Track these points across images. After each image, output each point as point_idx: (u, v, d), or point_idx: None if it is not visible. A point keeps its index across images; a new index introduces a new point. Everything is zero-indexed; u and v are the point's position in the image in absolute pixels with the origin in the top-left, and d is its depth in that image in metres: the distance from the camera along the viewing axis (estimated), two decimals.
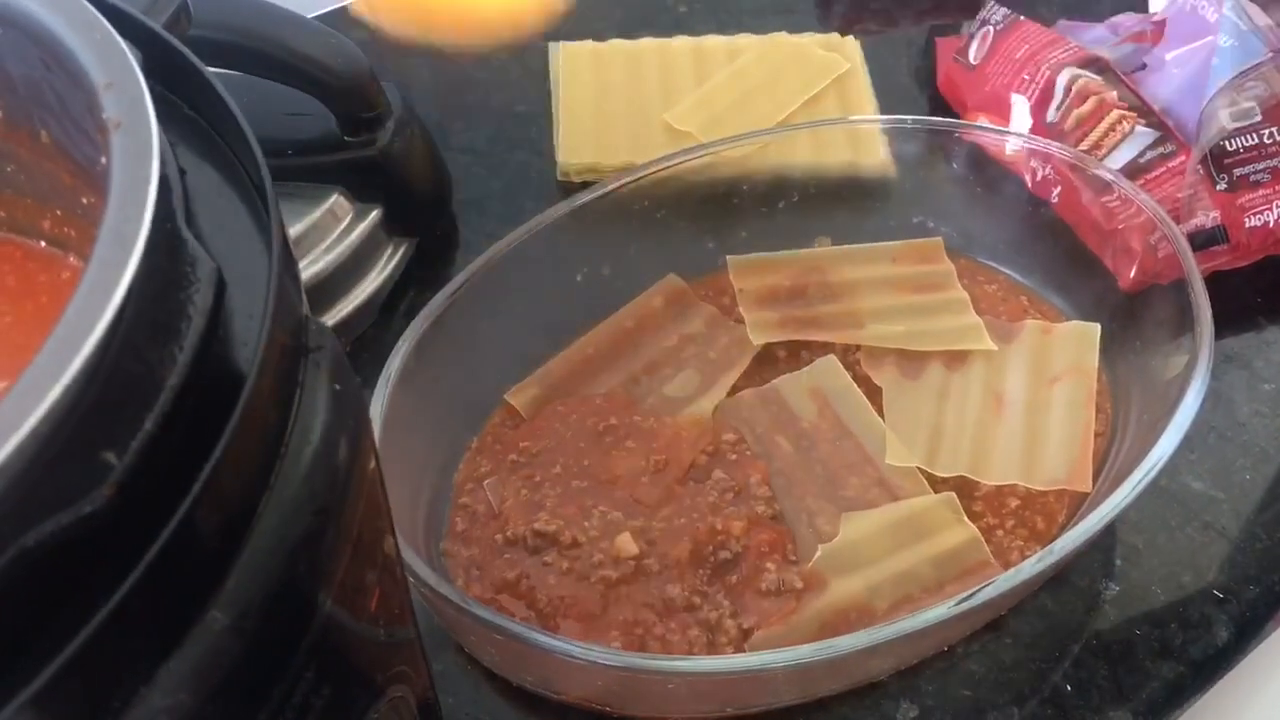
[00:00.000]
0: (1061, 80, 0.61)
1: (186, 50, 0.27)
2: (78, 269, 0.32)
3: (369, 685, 0.25)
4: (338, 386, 0.23)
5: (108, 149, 0.22)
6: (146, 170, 0.21)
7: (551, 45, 0.72)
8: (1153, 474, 0.41)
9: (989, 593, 0.38)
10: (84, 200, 0.29)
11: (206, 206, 0.26)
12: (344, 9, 0.78)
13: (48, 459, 0.17)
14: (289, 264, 0.24)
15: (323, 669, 0.22)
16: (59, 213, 0.31)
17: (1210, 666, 0.44)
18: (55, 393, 0.17)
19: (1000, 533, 0.45)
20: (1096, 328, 0.52)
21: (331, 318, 0.55)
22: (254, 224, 0.26)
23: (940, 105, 0.69)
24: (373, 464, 0.24)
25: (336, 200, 0.56)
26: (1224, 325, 0.47)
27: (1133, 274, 0.53)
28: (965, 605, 0.38)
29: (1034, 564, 0.39)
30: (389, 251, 0.58)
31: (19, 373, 0.30)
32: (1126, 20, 0.68)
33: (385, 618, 0.25)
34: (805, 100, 0.66)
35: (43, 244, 0.31)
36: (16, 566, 0.17)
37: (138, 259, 0.19)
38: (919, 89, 0.72)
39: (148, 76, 0.23)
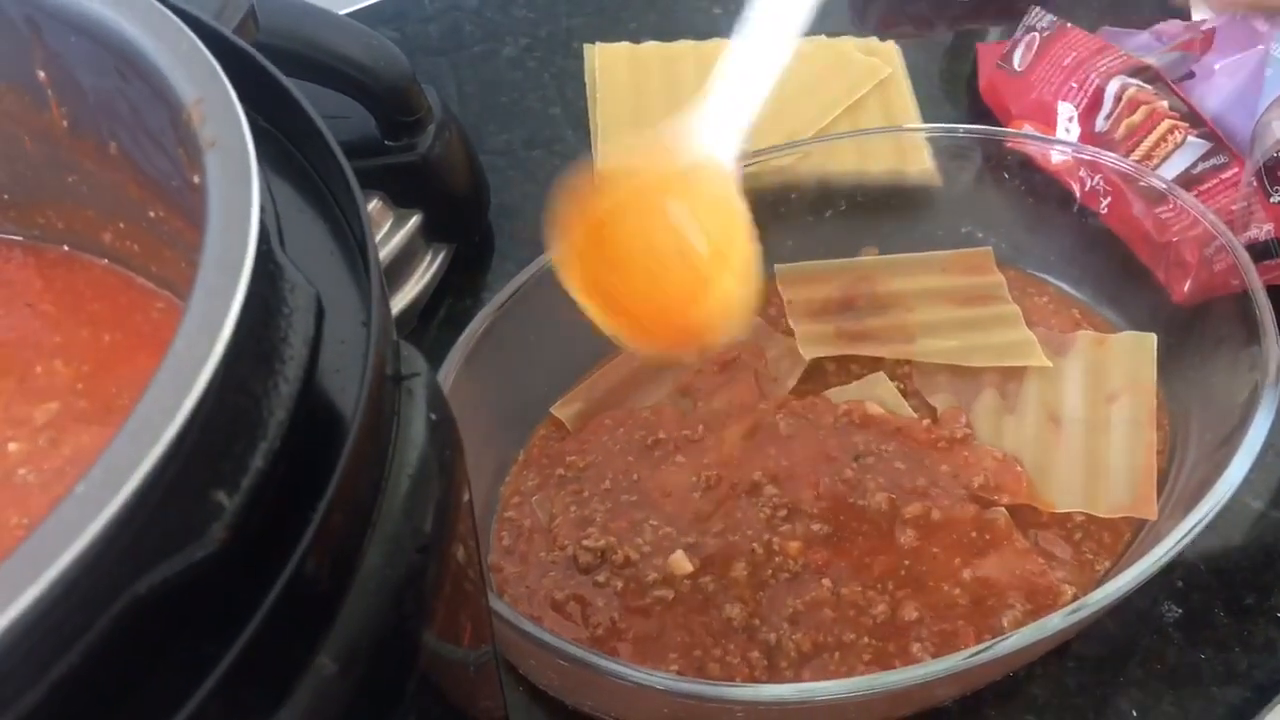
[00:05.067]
0: (1111, 89, 0.60)
1: (266, 62, 0.26)
2: (133, 284, 0.31)
3: None
4: (433, 415, 0.22)
5: (201, 169, 0.21)
6: (247, 193, 0.20)
7: (587, 47, 0.71)
8: (1216, 509, 0.40)
9: (1017, 641, 0.37)
10: (151, 213, 0.28)
11: (288, 224, 0.25)
12: (373, 7, 0.77)
13: (158, 502, 0.16)
14: (383, 287, 0.23)
15: (422, 710, 0.21)
16: (122, 225, 0.30)
17: (1275, 690, 0.43)
18: (171, 432, 0.16)
19: (1068, 545, 0.44)
20: (1152, 338, 0.51)
21: None
22: (335, 241, 0.26)
23: (980, 111, 0.68)
24: (467, 495, 0.23)
25: (376, 205, 0.55)
26: None
27: (1187, 287, 0.52)
28: (983, 657, 0.37)
29: (1064, 615, 0.37)
30: (428, 258, 0.57)
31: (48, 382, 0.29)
32: (1171, 28, 0.67)
33: (474, 651, 0.25)
34: (848, 105, 0.65)
35: (105, 261, 0.30)
36: (128, 615, 0.16)
37: (245, 287, 0.18)
38: (957, 94, 0.71)
39: None
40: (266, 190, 0.22)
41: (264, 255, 0.20)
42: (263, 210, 0.20)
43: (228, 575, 0.17)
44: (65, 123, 0.28)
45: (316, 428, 0.19)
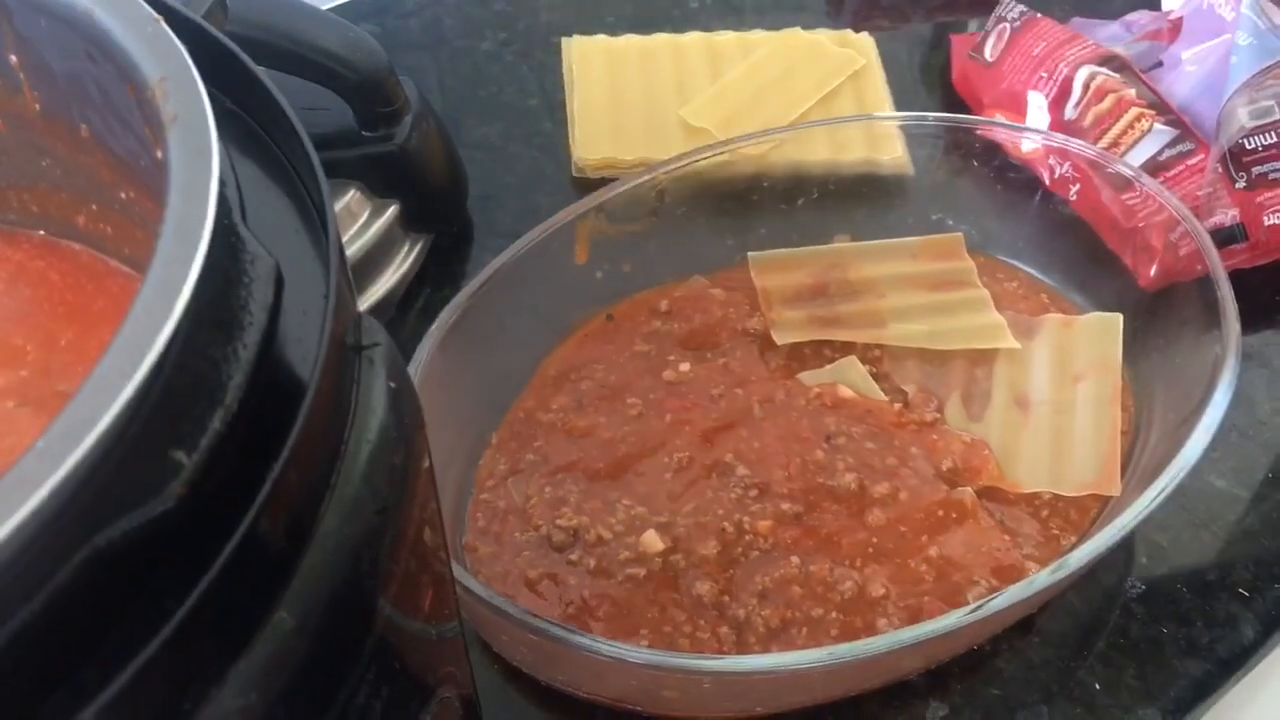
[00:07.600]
0: (1080, 77, 0.60)
1: (231, 43, 0.26)
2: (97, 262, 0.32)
3: (422, 686, 0.25)
4: (393, 384, 0.23)
5: (164, 144, 0.21)
6: (207, 165, 0.20)
7: (565, 40, 0.71)
8: (1176, 481, 0.40)
9: (1001, 602, 0.38)
10: (123, 195, 0.29)
11: (253, 201, 0.25)
12: (354, 2, 0.78)
13: (118, 458, 0.17)
14: (342, 260, 0.23)
15: (382, 670, 0.22)
16: (95, 208, 0.31)
17: (1236, 664, 0.44)
18: (128, 391, 0.17)
19: (1035, 522, 0.45)
20: (1119, 318, 0.52)
21: None
22: (300, 218, 0.26)
23: (954, 102, 0.69)
24: (427, 462, 0.24)
25: (354, 195, 0.55)
26: (1243, 323, 0.46)
27: (1153, 272, 0.53)
28: (977, 615, 0.37)
29: (1049, 574, 0.38)
30: (406, 248, 0.58)
31: (31, 360, 0.29)
32: (1141, 18, 0.68)
33: (436, 617, 0.25)
34: (821, 96, 0.66)
35: (77, 246, 0.31)
36: (88, 568, 0.17)
37: (203, 254, 0.19)
38: (932, 85, 0.71)
39: None
40: (228, 164, 0.23)
41: (224, 226, 0.20)
42: (223, 183, 0.21)
43: (186, 531, 0.18)
44: (38, 106, 0.28)
45: (276, 393, 0.20)
